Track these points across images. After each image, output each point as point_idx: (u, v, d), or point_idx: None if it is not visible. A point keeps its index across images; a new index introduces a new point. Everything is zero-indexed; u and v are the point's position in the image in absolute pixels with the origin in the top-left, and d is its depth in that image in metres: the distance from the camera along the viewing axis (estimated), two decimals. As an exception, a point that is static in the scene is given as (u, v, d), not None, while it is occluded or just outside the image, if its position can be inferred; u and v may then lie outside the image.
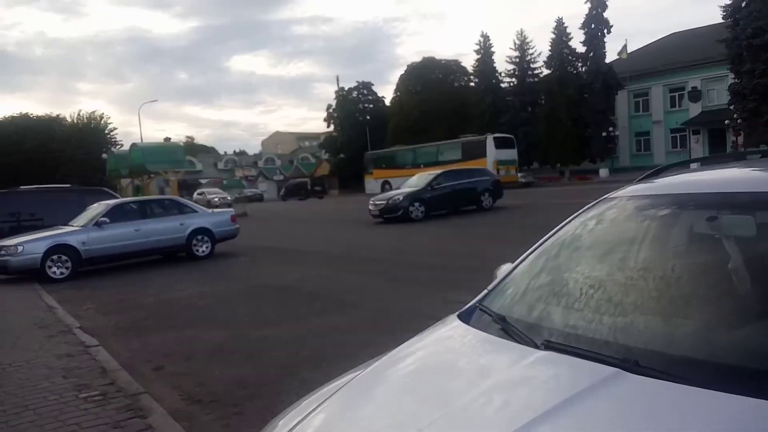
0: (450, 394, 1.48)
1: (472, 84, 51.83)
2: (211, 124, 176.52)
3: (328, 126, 63.85)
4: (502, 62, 48.63)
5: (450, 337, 1.88)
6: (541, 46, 49.89)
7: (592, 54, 40.46)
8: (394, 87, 57.53)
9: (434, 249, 11.37)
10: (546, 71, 44.15)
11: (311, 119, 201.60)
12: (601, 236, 2.00)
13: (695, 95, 39.75)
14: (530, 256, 2.08)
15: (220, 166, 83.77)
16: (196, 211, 12.78)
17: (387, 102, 59.46)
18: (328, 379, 1.86)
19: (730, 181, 1.83)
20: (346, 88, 61.54)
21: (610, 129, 39.66)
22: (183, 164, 33.00)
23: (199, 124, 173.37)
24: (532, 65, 46.10)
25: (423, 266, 9.14)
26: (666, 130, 41.71)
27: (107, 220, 11.15)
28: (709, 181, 1.87)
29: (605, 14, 40.37)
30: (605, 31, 40.40)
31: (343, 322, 5.88)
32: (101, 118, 59.71)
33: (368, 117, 59.15)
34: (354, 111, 60.01)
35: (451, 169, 21.98)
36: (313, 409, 1.64)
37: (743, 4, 31.29)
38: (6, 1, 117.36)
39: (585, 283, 1.80)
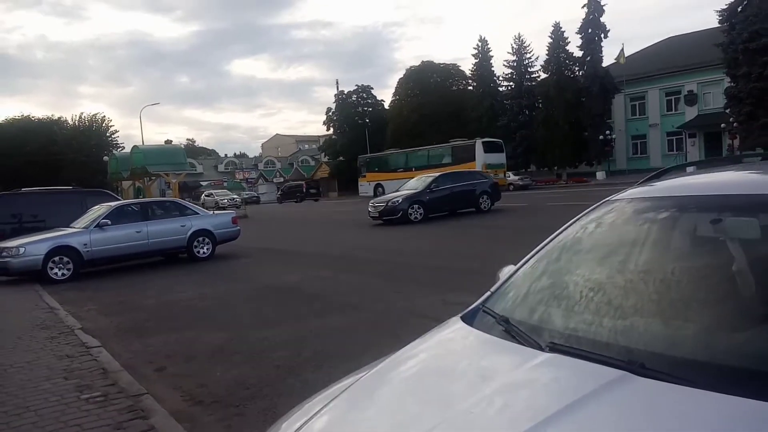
0: (454, 396, 1.47)
1: (470, 88, 52.04)
2: (211, 127, 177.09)
3: (328, 129, 63.96)
4: (499, 66, 49.17)
5: (453, 339, 1.87)
6: (539, 51, 50.37)
7: (589, 58, 40.68)
8: (393, 91, 57.65)
9: (433, 251, 11.39)
10: (543, 75, 44.34)
11: (311, 122, 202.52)
12: (603, 239, 1.99)
13: (691, 99, 39.97)
14: (533, 258, 2.07)
15: (221, 168, 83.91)
16: (197, 213, 12.80)
17: (386, 105, 59.60)
18: (330, 379, 1.87)
19: (734, 183, 1.82)
20: (345, 92, 61.76)
21: (607, 132, 39.84)
22: (184, 166, 32.90)
23: (200, 127, 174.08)
24: (529, 69, 46.26)
25: (422, 268, 9.16)
26: (662, 133, 41.89)
27: (109, 222, 11.17)
28: (712, 184, 1.86)
29: (602, 19, 40.64)
30: (602, 35, 40.64)
31: (343, 323, 5.90)
32: (102, 120, 59.83)
33: (367, 120, 59.29)
34: (353, 114, 60.15)
35: (449, 171, 22.15)
36: (317, 412, 1.63)
37: (739, 9, 31.47)
38: (7, 5, 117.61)
39: (588, 286, 1.79)
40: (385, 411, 1.56)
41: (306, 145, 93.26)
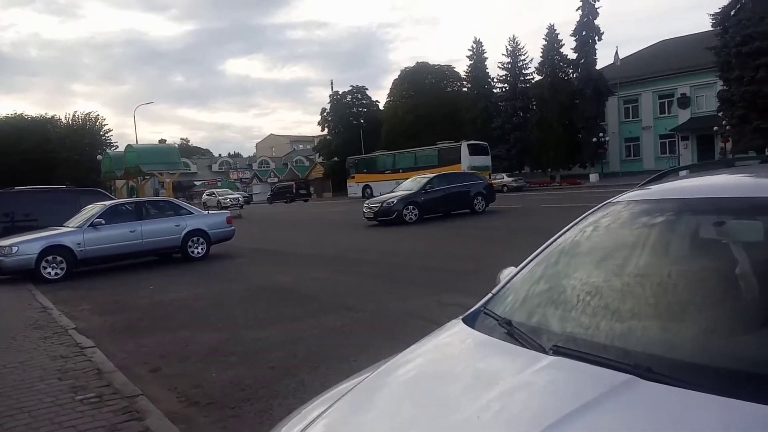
0: (459, 401, 1.44)
1: (464, 89, 52.19)
2: (206, 127, 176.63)
3: (323, 129, 63.95)
4: (494, 68, 49.14)
5: (455, 342, 1.85)
6: (533, 53, 50.49)
7: (583, 60, 40.87)
8: (387, 92, 57.69)
9: (428, 252, 11.41)
10: (538, 77, 44.48)
11: (305, 123, 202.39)
12: (605, 242, 1.98)
13: (684, 102, 40.25)
14: (535, 260, 2.06)
15: (215, 168, 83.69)
16: (191, 213, 12.75)
17: (381, 106, 59.58)
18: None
19: (736, 186, 1.82)
20: (340, 92, 61.72)
21: (601, 134, 40.09)
22: (178, 166, 32.84)
23: (194, 126, 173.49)
24: (524, 71, 46.39)
25: (417, 269, 9.17)
26: (655, 135, 42.16)
27: (102, 221, 11.11)
28: (713, 187, 1.85)
29: (596, 22, 40.82)
30: (596, 38, 40.84)
31: (339, 323, 5.88)
32: (96, 119, 59.50)
33: (362, 121, 59.29)
34: (348, 115, 60.16)
35: (444, 172, 22.27)
36: (317, 416, 1.60)
37: (732, 13, 31.71)
38: (1, 2, 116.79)
39: (590, 288, 1.77)
40: (387, 415, 1.53)
41: (300, 146, 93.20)
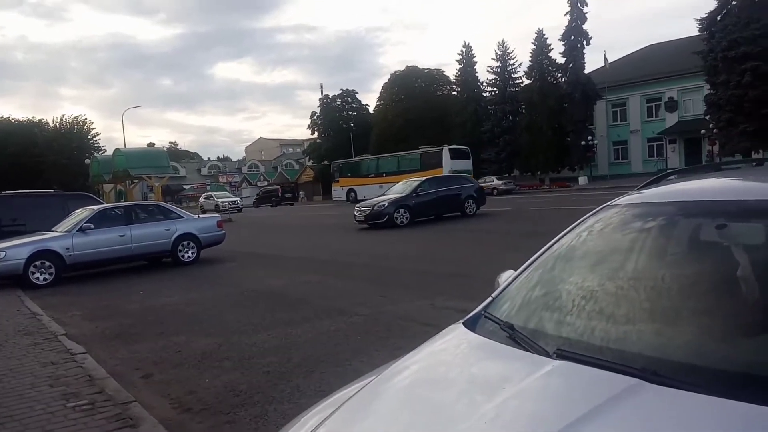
0: (464, 407, 1.43)
1: (454, 93, 52.34)
2: (194, 130, 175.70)
3: (312, 133, 63.87)
4: (483, 72, 49.34)
5: (456, 346, 1.83)
6: (522, 57, 50.84)
7: (571, 65, 41.31)
8: (377, 95, 57.73)
9: (420, 255, 11.42)
10: (527, 81, 44.83)
11: (295, 126, 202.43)
12: (607, 245, 1.97)
13: (671, 105, 40.75)
14: (535, 263, 2.05)
15: (204, 171, 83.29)
16: (181, 217, 12.67)
17: (371, 110, 59.62)
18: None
19: (734, 188, 1.82)
20: (330, 96, 61.64)
21: (589, 138, 40.45)
22: (167, 170, 32.70)
23: (183, 130, 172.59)
24: (513, 75, 46.72)
25: (410, 272, 9.17)
26: (643, 139, 42.62)
27: (91, 226, 11.01)
28: (713, 189, 1.85)
29: (585, 26, 41.27)
30: (584, 42, 41.31)
31: (333, 327, 5.86)
32: (84, 123, 58.94)
33: (352, 124, 59.30)
34: (338, 118, 60.15)
35: (436, 176, 22.37)
36: (317, 425, 1.57)
37: (719, 18, 32.18)
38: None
39: (593, 292, 1.77)
40: (389, 422, 1.50)
41: (290, 149, 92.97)
